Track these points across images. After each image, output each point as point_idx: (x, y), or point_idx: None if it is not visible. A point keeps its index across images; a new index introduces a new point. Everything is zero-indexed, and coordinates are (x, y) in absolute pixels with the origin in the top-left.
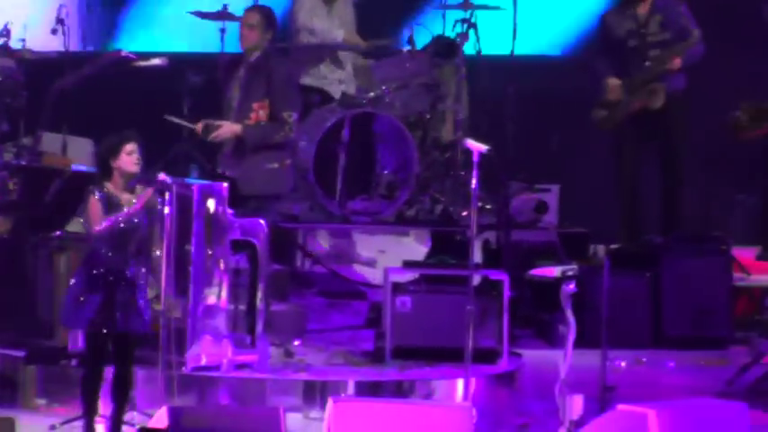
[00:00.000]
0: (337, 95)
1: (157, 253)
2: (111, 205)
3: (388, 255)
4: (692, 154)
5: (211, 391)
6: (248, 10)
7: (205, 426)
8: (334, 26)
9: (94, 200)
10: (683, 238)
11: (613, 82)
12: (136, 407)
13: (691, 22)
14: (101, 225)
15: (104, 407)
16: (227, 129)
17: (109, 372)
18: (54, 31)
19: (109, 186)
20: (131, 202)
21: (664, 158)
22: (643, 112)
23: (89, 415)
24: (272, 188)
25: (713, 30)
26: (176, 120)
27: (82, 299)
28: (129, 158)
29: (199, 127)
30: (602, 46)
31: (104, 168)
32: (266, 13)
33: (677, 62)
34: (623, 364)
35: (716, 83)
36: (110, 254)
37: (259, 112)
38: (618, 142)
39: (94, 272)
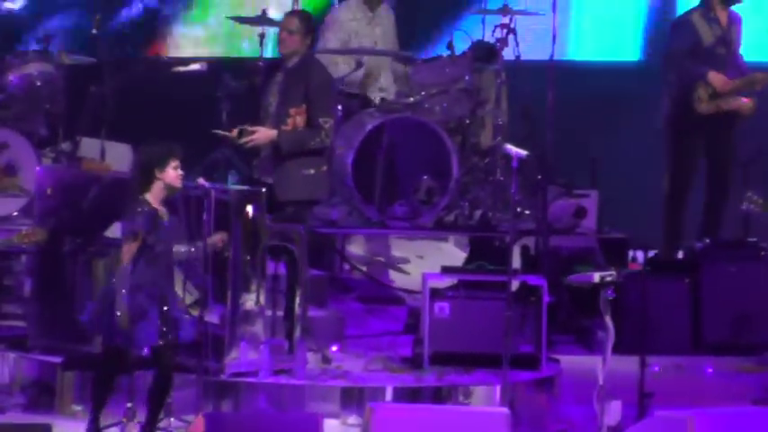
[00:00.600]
0: (377, 101)
1: (182, 249)
2: (156, 223)
3: (426, 260)
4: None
5: (249, 398)
6: (288, 15)
7: None
8: (376, 35)
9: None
10: (722, 244)
11: (719, 76)
12: (173, 412)
13: None
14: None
15: (141, 413)
16: (263, 134)
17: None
18: (93, 36)
19: (150, 200)
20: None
21: (713, 170)
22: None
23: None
24: (308, 194)
25: None
26: (222, 132)
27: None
28: (175, 173)
29: (234, 132)
30: (689, 48)
31: (147, 178)
32: (306, 17)
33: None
34: (662, 370)
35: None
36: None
37: (296, 118)
38: (677, 148)
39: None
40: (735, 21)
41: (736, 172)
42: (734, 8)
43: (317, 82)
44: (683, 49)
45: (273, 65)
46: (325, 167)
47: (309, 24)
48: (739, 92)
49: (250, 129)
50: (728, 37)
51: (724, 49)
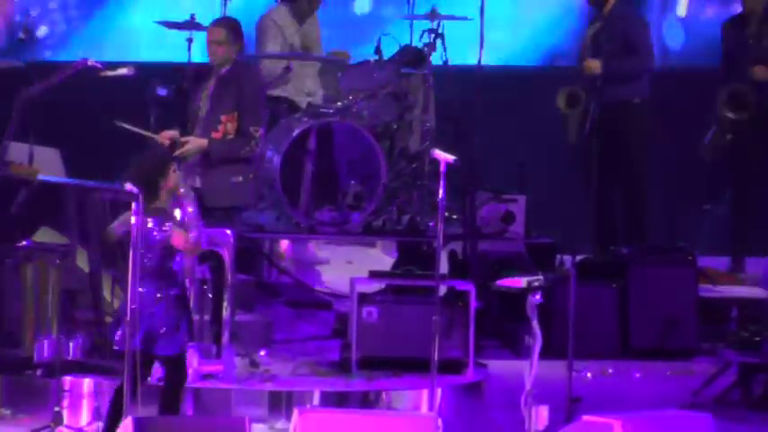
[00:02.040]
0: (304, 105)
1: None
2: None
3: (354, 265)
4: (660, 163)
5: None
6: (213, 25)
7: None
8: (301, 40)
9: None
10: (649, 248)
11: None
12: (101, 417)
13: None
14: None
15: (70, 417)
16: (194, 144)
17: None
18: (21, 40)
19: (158, 204)
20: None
21: (624, 171)
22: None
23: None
24: (236, 200)
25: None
26: (128, 127)
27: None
28: (175, 175)
29: (163, 139)
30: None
31: (153, 188)
32: (231, 25)
33: None
34: (589, 374)
35: (683, 93)
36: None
37: (227, 125)
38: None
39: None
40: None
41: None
42: None
43: (250, 90)
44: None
45: (203, 70)
46: (252, 174)
47: (236, 32)
48: None
49: (182, 140)
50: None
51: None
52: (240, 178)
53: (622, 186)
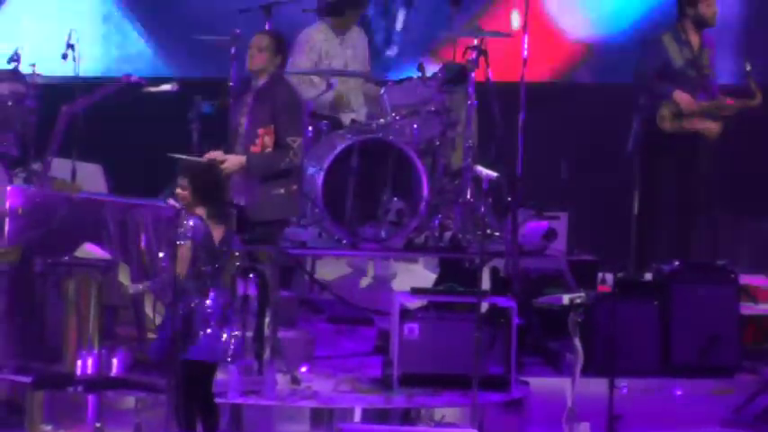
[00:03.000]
0: (347, 122)
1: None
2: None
3: (396, 281)
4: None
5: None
6: (259, 33)
7: None
8: (347, 57)
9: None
10: (691, 266)
11: (684, 95)
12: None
13: (757, 87)
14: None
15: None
16: (233, 161)
17: None
18: (64, 56)
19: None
20: None
21: (684, 191)
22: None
23: None
24: (278, 214)
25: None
26: (179, 156)
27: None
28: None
29: (205, 158)
30: (659, 69)
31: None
32: (277, 37)
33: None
34: (631, 392)
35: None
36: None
37: (264, 138)
38: (645, 169)
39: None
40: (708, 44)
41: (704, 193)
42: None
43: (284, 101)
44: (652, 68)
45: (243, 85)
46: (294, 186)
47: (280, 44)
48: (705, 114)
49: (220, 158)
50: (699, 60)
51: (694, 72)
52: (282, 191)
53: (679, 204)
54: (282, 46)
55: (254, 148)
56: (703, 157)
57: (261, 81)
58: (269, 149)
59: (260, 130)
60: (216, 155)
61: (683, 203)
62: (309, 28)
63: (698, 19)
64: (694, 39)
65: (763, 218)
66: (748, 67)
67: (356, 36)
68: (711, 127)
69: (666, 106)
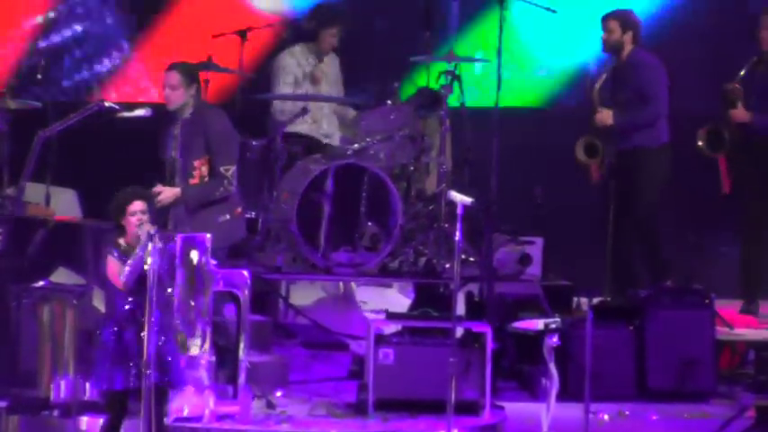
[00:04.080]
0: (322, 143)
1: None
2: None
3: (371, 306)
4: (677, 206)
5: None
6: (167, 70)
7: None
8: (318, 87)
9: (111, 258)
10: (666, 291)
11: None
12: None
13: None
14: (124, 277)
15: None
16: (168, 193)
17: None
18: (38, 81)
19: (123, 241)
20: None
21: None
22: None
23: None
24: (226, 240)
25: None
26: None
27: (117, 357)
28: (132, 219)
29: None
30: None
31: (117, 225)
32: (185, 69)
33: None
34: (606, 416)
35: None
36: (134, 308)
37: (201, 169)
38: (606, 193)
39: (117, 328)
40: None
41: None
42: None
43: (216, 130)
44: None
45: (168, 117)
46: (239, 209)
47: (190, 75)
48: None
49: (155, 190)
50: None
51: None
52: (227, 216)
53: (636, 231)
54: (193, 74)
55: (193, 181)
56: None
57: (186, 113)
58: (205, 179)
59: (196, 163)
60: (158, 189)
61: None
62: (283, 52)
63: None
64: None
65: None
66: None
67: (329, 59)
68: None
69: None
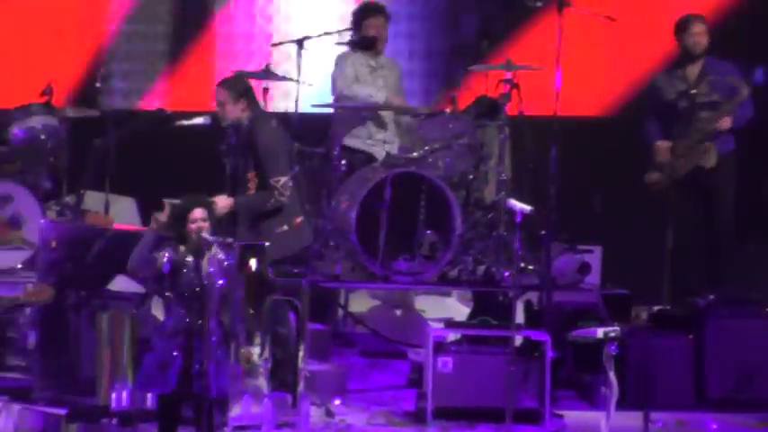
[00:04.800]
0: (381, 156)
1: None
2: (176, 272)
3: (430, 315)
4: (737, 215)
5: None
6: (216, 87)
7: None
8: (377, 88)
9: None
10: (725, 300)
11: (662, 145)
12: None
13: (741, 81)
14: (130, 262)
15: None
16: (224, 203)
17: None
18: (98, 90)
19: (182, 249)
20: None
21: (709, 219)
22: (693, 171)
23: None
24: (285, 251)
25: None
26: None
27: (164, 363)
28: (192, 226)
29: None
30: (652, 108)
31: (176, 233)
32: (230, 85)
33: (726, 122)
34: (665, 425)
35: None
36: (187, 316)
37: (254, 181)
38: (664, 201)
39: (171, 335)
40: (709, 69)
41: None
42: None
43: (263, 143)
44: (649, 108)
45: (229, 130)
46: (299, 219)
47: (237, 89)
48: (694, 147)
49: (210, 200)
50: (698, 89)
51: (686, 103)
52: (285, 227)
53: (707, 233)
54: (240, 89)
55: (249, 192)
56: (724, 187)
57: (241, 125)
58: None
59: (249, 175)
60: (214, 198)
61: (709, 234)
62: (341, 59)
63: (684, 50)
64: (692, 69)
65: None
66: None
67: (388, 65)
68: (706, 157)
69: (652, 170)
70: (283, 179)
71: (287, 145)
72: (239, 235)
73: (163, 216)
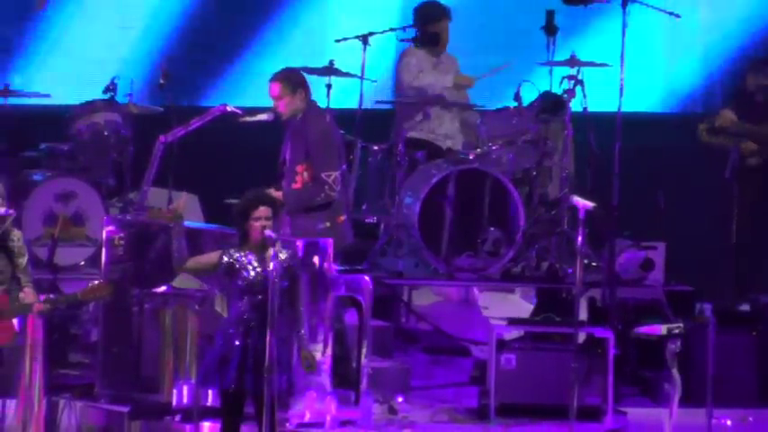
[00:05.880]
0: (445, 149)
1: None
2: (231, 271)
3: (493, 311)
4: None
5: None
6: (270, 81)
7: None
8: (442, 75)
9: (214, 254)
10: None
11: (728, 112)
12: None
13: None
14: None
15: None
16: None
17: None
18: (160, 86)
19: (245, 246)
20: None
21: None
22: (760, 167)
23: None
24: None
25: None
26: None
27: (224, 359)
28: (255, 224)
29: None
30: (733, 94)
31: (239, 230)
32: (284, 77)
33: None
34: (729, 422)
35: None
36: (247, 313)
37: (303, 174)
38: (730, 197)
39: (232, 331)
40: None
41: None
42: None
43: (314, 137)
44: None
45: (286, 121)
46: (342, 217)
47: (292, 82)
48: (747, 134)
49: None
50: None
51: (762, 97)
52: (327, 224)
53: None
54: (295, 81)
55: (295, 186)
56: None
57: (296, 118)
58: (309, 184)
59: (298, 168)
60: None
61: None
62: (404, 55)
63: None
64: None
65: None
66: None
67: (449, 61)
68: (748, 146)
69: (706, 121)
70: (334, 174)
71: (338, 141)
72: (279, 229)
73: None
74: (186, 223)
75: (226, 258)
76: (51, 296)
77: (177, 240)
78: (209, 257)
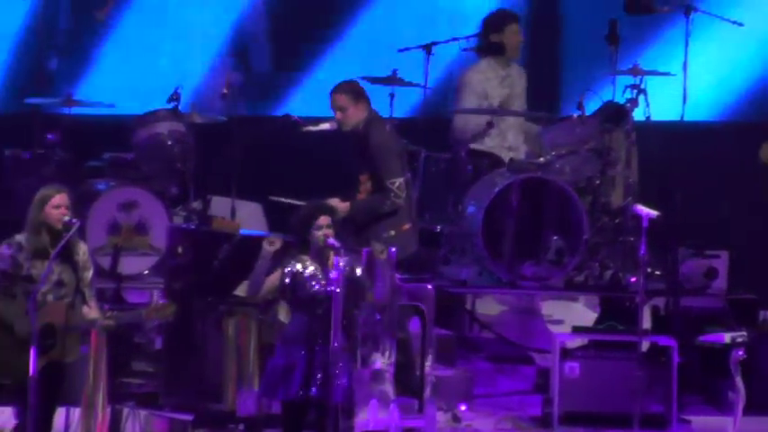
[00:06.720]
0: (506, 159)
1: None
2: (296, 282)
3: (556, 320)
4: None
5: None
6: (332, 93)
7: None
8: (505, 95)
9: (274, 277)
10: None
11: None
12: None
13: None
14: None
15: None
16: (340, 207)
17: None
18: (224, 96)
19: (302, 261)
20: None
21: None
22: None
23: None
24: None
25: None
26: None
27: (287, 369)
28: (317, 233)
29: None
30: None
31: (301, 239)
32: (347, 89)
33: None
34: None
35: None
36: (310, 323)
37: (366, 184)
38: None
39: (295, 341)
40: None
41: None
42: None
43: (375, 145)
44: None
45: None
46: (407, 225)
47: (354, 92)
48: None
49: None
50: None
51: None
52: (392, 232)
53: None
54: (357, 91)
55: (360, 195)
56: None
57: (358, 129)
58: (373, 194)
59: (361, 177)
60: (333, 201)
61: None
62: (469, 69)
63: None
64: None
65: None
66: None
67: (516, 73)
68: None
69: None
70: (399, 181)
71: (400, 148)
72: (344, 239)
73: (274, 245)
74: (248, 231)
75: (288, 271)
76: (115, 312)
77: (258, 272)
78: (272, 282)
